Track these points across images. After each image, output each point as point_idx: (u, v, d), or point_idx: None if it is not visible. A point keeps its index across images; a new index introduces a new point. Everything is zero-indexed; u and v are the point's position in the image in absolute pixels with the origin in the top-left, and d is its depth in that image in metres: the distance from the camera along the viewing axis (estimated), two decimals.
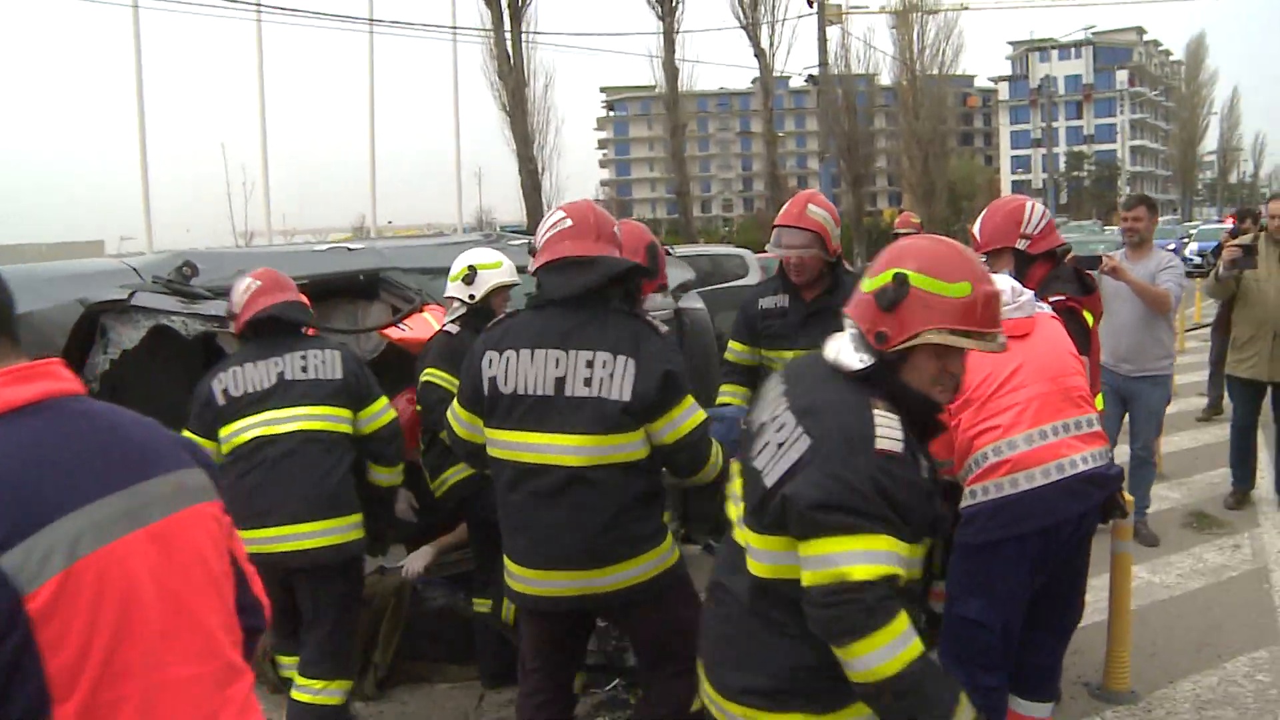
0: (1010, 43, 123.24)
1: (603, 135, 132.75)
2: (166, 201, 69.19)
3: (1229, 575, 6.60)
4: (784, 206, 5.15)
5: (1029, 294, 4.12)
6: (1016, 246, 4.66)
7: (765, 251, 6.28)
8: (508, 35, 31.84)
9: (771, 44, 40.79)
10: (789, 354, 5.04)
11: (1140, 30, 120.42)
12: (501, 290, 5.25)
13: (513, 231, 10.81)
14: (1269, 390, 7.66)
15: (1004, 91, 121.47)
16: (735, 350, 5.40)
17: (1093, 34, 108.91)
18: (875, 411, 2.57)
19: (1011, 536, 3.73)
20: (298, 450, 4.51)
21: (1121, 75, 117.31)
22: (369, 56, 33.51)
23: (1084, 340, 4.48)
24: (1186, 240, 41.53)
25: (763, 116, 46.26)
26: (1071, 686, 5.12)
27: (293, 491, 4.44)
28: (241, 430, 4.55)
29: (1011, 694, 4.00)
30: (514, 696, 5.30)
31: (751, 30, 40.48)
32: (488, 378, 3.68)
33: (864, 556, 2.42)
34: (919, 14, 53.71)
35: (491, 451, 3.75)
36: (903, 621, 2.44)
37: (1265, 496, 8.05)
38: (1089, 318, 4.69)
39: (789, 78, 66.24)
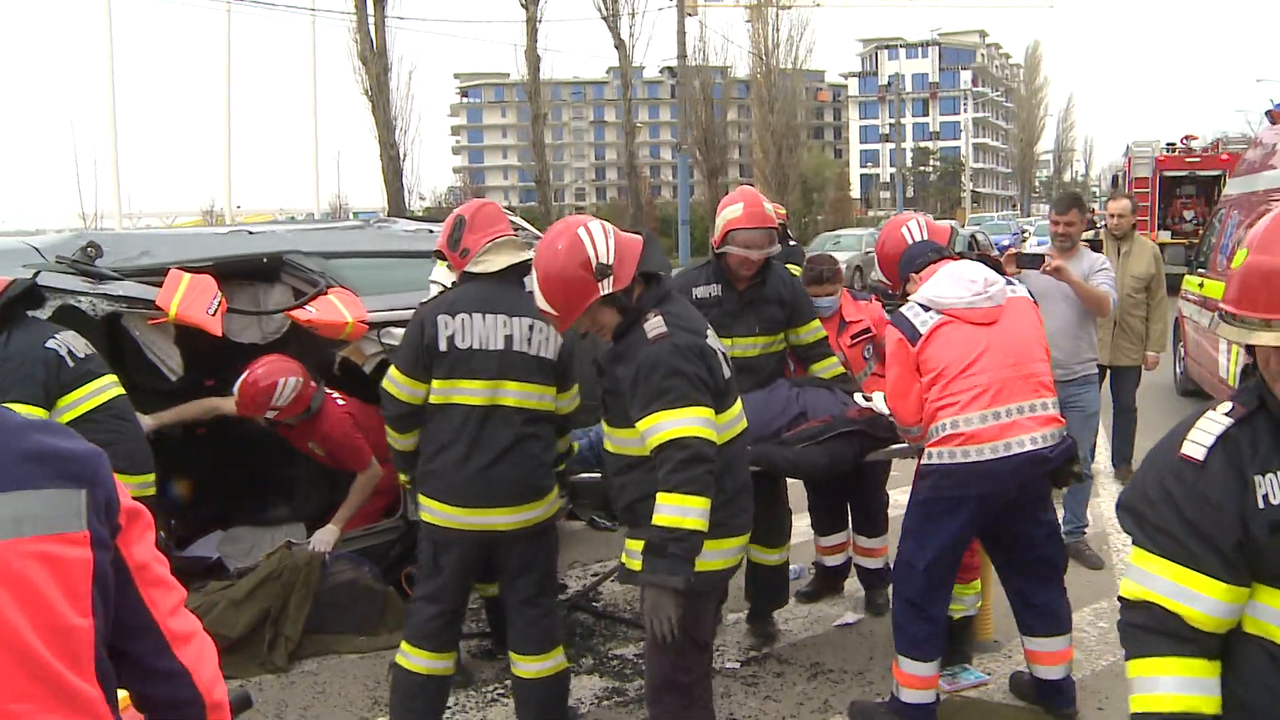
0: (861, 40, 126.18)
1: (456, 122, 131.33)
2: (7, 179, 66.47)
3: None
4: (739, 209, 5.32)
5: (1000, 282, 4.61)
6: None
7: None
8: (371, 19, 31.49)
9: (631, 35, 41.09)
10: (726, 341, 5.32)
11: (983, 34, 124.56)
12: None
13: (406, 217, 10.86)
14: (1108, 374, 8.27)
15: (854, 87, 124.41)
16: None
17: (939, 35, 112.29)
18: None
19: (952, 497, 4.39)
20: None
21: (966, 75, 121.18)
22: (226, 35, 32.91)
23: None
24: (1024, 234, 43.26)
25: (620, 107, 46.66)
26: None
27: None
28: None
29: (1024, 635, 4.73)
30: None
31: (612, 21, 40.78)
32: (445, 336, 4.31)
33: None
34: (773, 9, 54.54)
35: (440, 399, 4.37)
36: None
37: (1104, 470, 8.72)
38: None
39: (644, 69, 66.82)
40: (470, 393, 4.34)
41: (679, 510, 3.38)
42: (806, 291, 5.80)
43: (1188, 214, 24.36)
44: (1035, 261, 6.30)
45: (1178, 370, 12.30)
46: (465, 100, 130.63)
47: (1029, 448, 4.33)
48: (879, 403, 5.15)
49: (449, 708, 4.83)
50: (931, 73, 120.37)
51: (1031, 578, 4.67)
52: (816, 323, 5.67)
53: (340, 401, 6.13)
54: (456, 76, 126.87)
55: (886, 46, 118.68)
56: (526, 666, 4.52)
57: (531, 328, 4.39)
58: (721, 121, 53.04)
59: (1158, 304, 8.19)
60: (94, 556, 1.60)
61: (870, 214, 79.62)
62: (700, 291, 5.43)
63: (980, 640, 5.57)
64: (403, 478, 4.87)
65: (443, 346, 4.34)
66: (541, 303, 3.66)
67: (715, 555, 3.64)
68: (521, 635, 4.55)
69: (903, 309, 4.72)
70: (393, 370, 4.50)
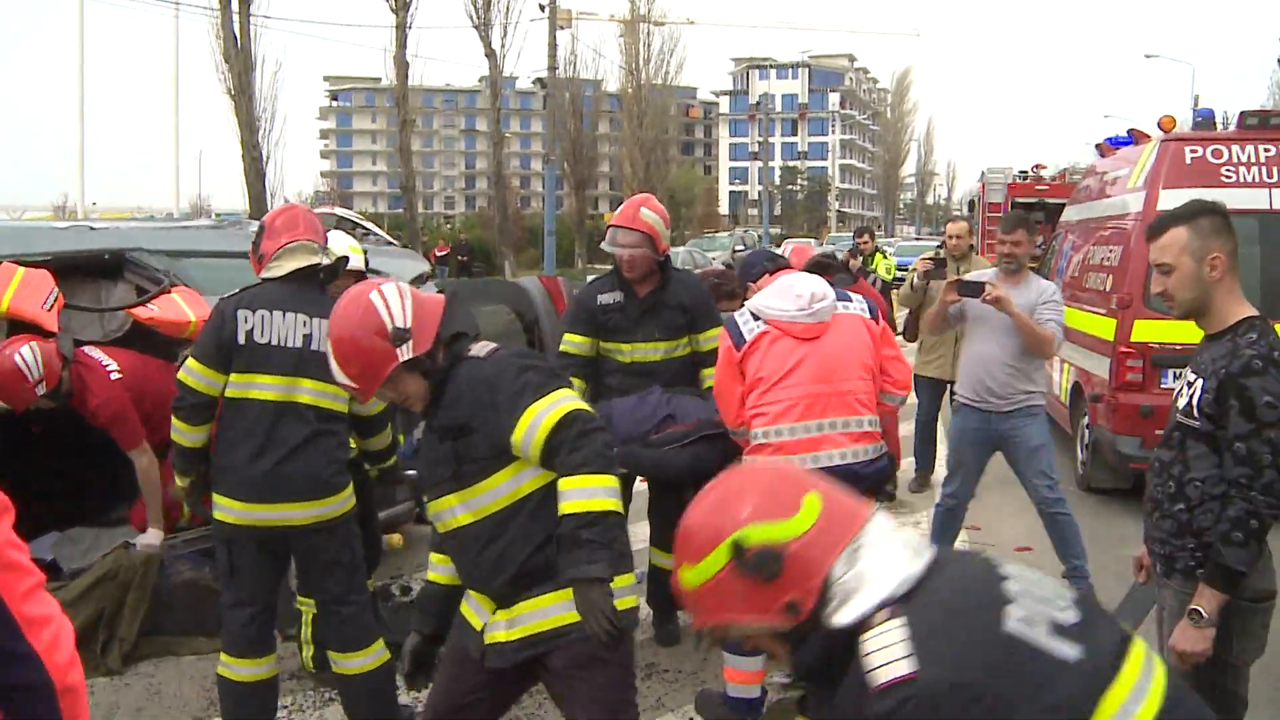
0: (733, 59, 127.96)
1: (325, 125, 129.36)
2: None
3: None
4: (620, 207, 5.63)
5: (830, 298, 4.72)
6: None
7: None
8: (235, 16, 30.87)
9: (503, 45, 40.95)
10: (627, 346, 5.64)
11: (852, 58, 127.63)
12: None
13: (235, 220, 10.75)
14: (949, 387, 8.59)
15: (725, 105, 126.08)
16: (575, 342, 5.72)
17: (809, 57, 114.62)
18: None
19: None
20: None
21: (834, 98, 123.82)
22: (79, 23, 31.95)
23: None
24: (859, 243, 44.28)
25: (490, 116, 46.48)
26: None
27: None
28: None
29: None
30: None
31: (483, 31, 40.62)
32: (244, 330, 4.38)
33: None
34: (646, 24, 55.09)
35: (235, 393, 4.43)
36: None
37: (942, 480, 9.04)
38: None
39: (516, 79, 66.66)
40: (266, 388, 4.39)
41: (584, 493, 3.08)
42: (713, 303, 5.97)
43: (1037, 239, 25.21)
44: (975, 289, 6.05)
45: None
46: (335, 104, 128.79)
47: (838, 462, 4.41)
48: None
49: (285, 707, 4.84)
50: (801, 94, 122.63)
51: None
52: (718, 330, 5.65)
53: (116, 375, 5.68)
54: (326, 79, 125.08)
55: (758, 66, 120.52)
56: (347, 664, 4.58)
57: None
58: (591, 134, 53.35)
59: None
60: None
61: (738, 230, 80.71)
62: (604, 298, 5.66)
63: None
64: (179, 481, 4.72)
65: (241, 340, 4.40)
66: (339, 375, 3.31)
67: None
68: (337, 634, 4.61)
69: (734, 314, 4.89)
70: (190, 361, 4.50)
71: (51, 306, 5.54)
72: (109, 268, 6.20)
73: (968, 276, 6.54)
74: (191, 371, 4.46)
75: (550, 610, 3.20)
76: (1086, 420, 9.19)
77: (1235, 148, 8.34)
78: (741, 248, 42.32)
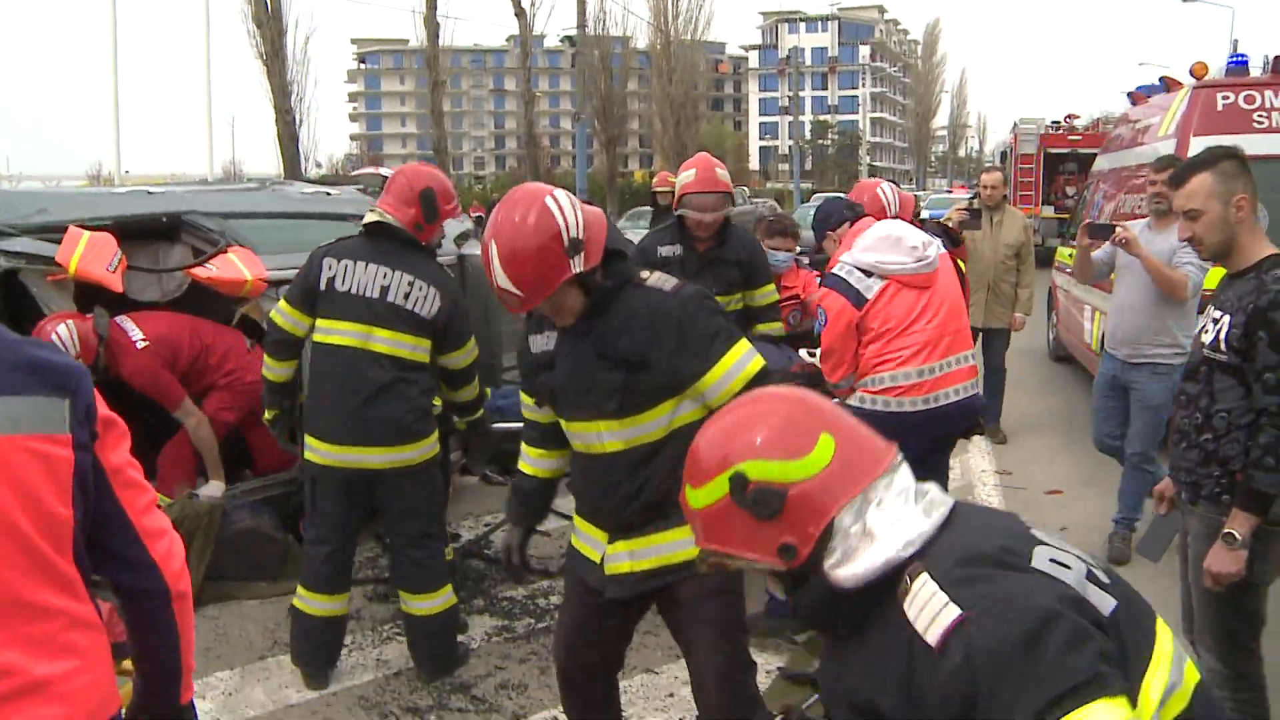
0: (761, 13, 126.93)
1: (353, 88, 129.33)
2: None
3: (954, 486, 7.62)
4: (692, 174, 5.63)
5: (935, 243, 4.89)
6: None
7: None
8: None
9: (532, 4, 40.91)
10: None
11: (882, 9, 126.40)
12: None
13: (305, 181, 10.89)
14: (981, 335, 8.72)
15: (754, 60, 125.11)
16: None
17: (839, 9, 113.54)
18: None
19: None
20: None
21: (864, 51, 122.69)
22: None
23: (960, 285, 5.41)
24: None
25: (520, 76, 46.52)
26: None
27: None
28: None
29: None
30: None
31: None
32: (326, 277, 4.63)
33: None
34: None
35: (319, 338, 4.71)
36: None
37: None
38: (962, 265, 5.72)
39: (544, 37, 66.43)
40: (345, 334, 4.63)
41: None
42: (764, 246, 6.11)
43: (1069, 189, 25.11)
44: (1106, 231, 6.04)
45: (1050, 336, 12.94)
46: (363, 67, 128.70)
47: (960, 397, 4.71)
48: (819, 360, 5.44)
49: (346, 645, 5.09)
50: (831, 47, 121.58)
51: None
52: (771, 286, 5.96)
53: (142, 343, 5.90)
54: (354, 42, 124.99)
55: (786, 20, 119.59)
56: (416, 605, 4.85)
57: (411, 284, 4.66)
58: (620, 91, 53.10)
59: (1026, 270, 8.80)
60: (75, 457, 1.84)
61: (768, 185, 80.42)
62: (664, 251, 5.75)
63: None
64: (267, 415, 5.11)
65: (323, 286, 4.65)
66: (504, 281, 3.06)
67: None
68: (408, 575, 4.88)
69: (840, 273, 4.90)
70: (281, 301, 4.84)
71: (116, 268, 5.75)
72: (167, 230, 6.40)
73: (1101, 221, 6.79)
74: (280, 311, 4.80)
75: (680, 544, 3.20)
76: None
77: (1269, 93, 8.36)
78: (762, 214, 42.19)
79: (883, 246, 4.84)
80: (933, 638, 1.74)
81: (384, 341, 4.63)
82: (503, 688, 4.83)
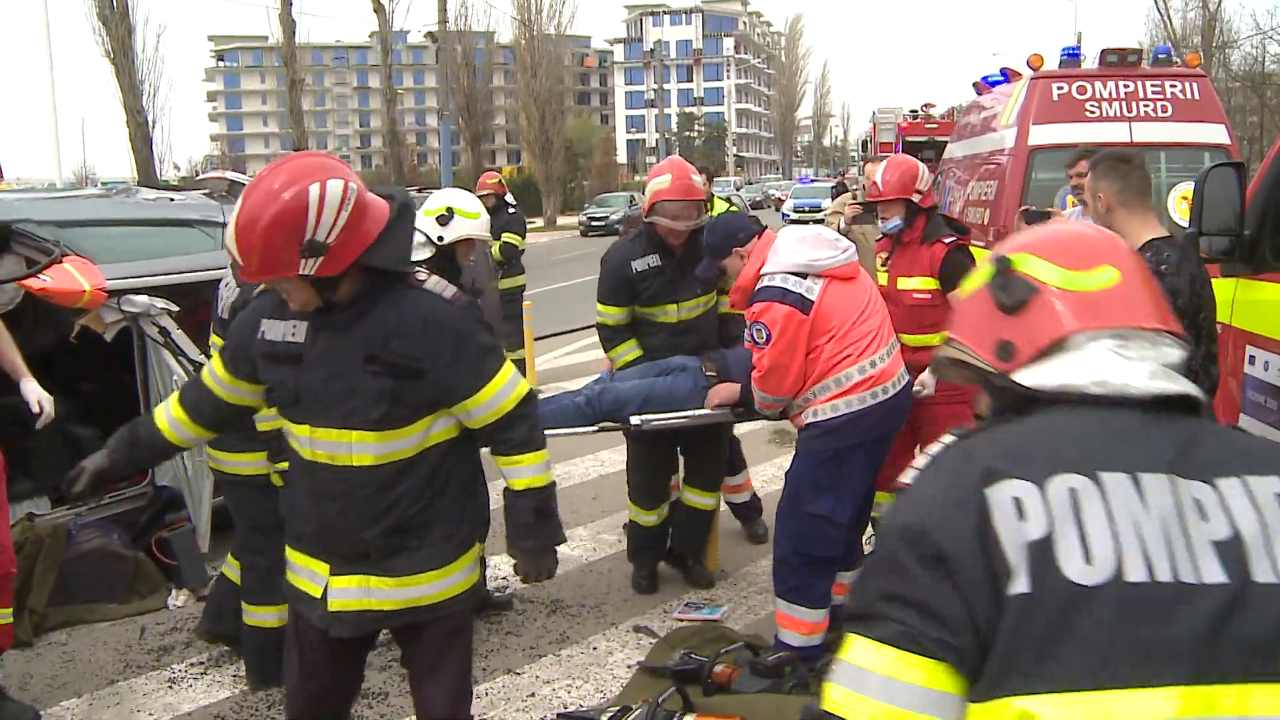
0: (626, 6, 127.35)
1: (212, 87, 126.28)
2: None
3: None
4: (666, 180, 5.49)
5: (850, 243, 4.91)
6: (911, 199, 5.62)
7: None
8: None
9: None
10: (672, 306, 5.68)
11: (745, 2, 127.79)
12: (470, 243, 5.20)
13: (158, 187, 10.59)
14: None
15: (619, 53, 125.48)
16: (613, 314, 5.76)
17: (703, 2, 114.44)
18: None
19: (863, 442, 4.64)
20: None
21: (728, 43, 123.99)
22: None
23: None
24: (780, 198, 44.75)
25: (381, 73, 45.90)
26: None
27: None
28: None
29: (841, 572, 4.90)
30: (175, 623, 5.66)
31: None
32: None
33: None
34: None
35: None
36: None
37: None
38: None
39: (407, 33, 65.77)
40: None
41: (536, 468, 3.22)
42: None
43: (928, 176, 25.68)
44: (1043, 218, 6.07)
45: None
46: (222, 65, 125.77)
47: (903, 383, 4.74)
48: None
49: (201, 663, 5.01)
50: (695, 40, 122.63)
51: (863, 518, 5.01)
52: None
53: None
54: (211, 39, 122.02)
55: (651, 13, 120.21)
56: (254, 615, 4.86)
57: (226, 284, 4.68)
58: (485, 87, 52.73)
59: None
60: None
61: (636, 179, 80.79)
62: (639, 264, 5.62)
63: (710, 571, 6.04)
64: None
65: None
66: (230, 243, 2.85)
67: None
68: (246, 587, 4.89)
69: (774, 283, 4.66)
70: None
71: None
72: None
73: (1033, 207, 6.83)
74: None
75: (434, 586, 3.13)
76: None
77: (1098, 84, 8.72)
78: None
79: (806, 246, 4.74)
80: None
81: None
82: (363, 696, 4.75)
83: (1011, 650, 1.38)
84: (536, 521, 3.25)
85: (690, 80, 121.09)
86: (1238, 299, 4.50)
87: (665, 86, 78.01)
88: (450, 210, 5.10)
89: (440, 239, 5.08)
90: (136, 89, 31.06)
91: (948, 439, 1.64)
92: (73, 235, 6.25)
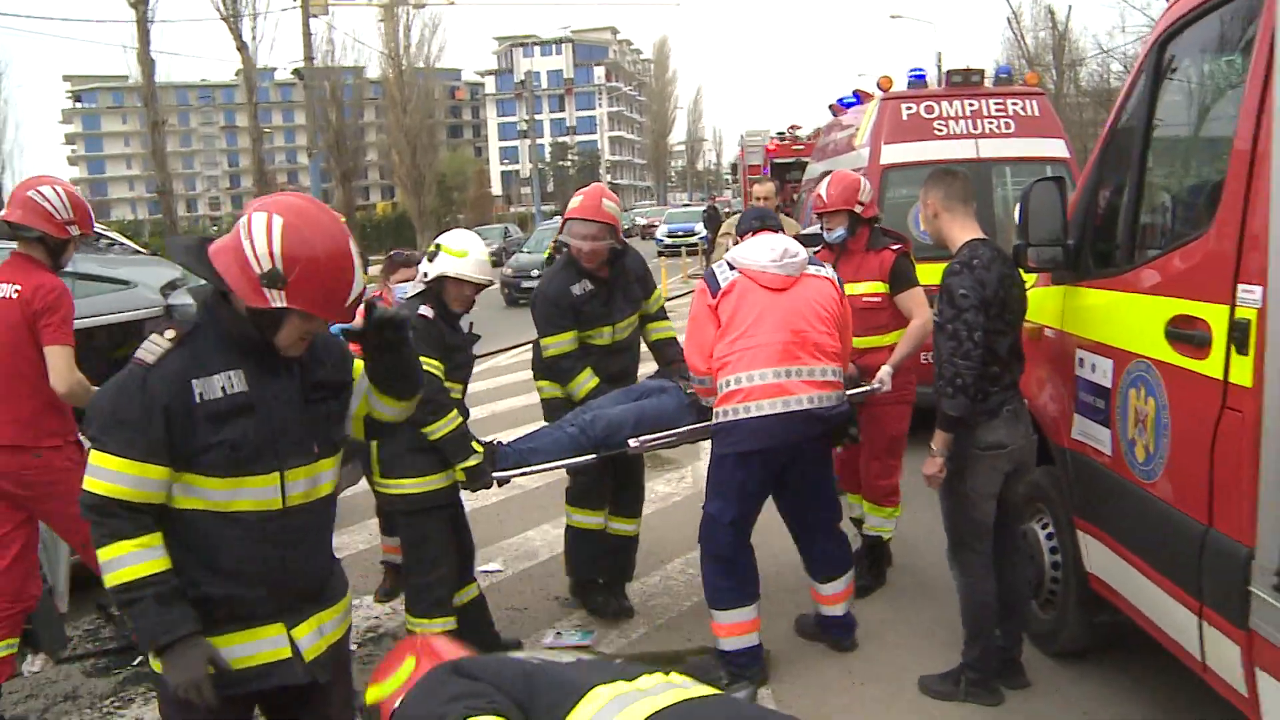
0: (496, 38, 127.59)
1: (70, 129, 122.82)
2: None
3: (673, 500, 8.03)
4: (578, 200, 5.70)
5: (803, 255, 5.03)
6: (854, 210, 5.97)
7: None
8: None
9: (254, 37, 39.64)
10: (608, 329, 5.81)
11: (614, 30, 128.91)
12: (459, 284, 5.01)
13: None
14: None
15: (490, 85, 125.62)
16: (563, 340, 5.74)
17: (571, 32, 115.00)
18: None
19: (739, 452, 4.83)
20: None
21: (599, 71, 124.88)
22: None
23: (915, 276, 5.89)
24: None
25: (247, 111, 45.15)
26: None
27: None
28: None
29: (813, 583, 5.26)
30: (31, 690, 5.47)
31: (232, 22, 39.27)
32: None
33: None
34: (405, 8, 54.17)
35: None
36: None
37: None
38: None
39: (274, 70, 64.77)
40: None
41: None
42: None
43: (795, 196, 26.12)
44: (814, 240, 6.34)
45: None
46: (80, 105, 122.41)
47: (804, 407, 4.77)
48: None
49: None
50: (566, 69, 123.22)
51: (815, 528, 5.16)
52: (659, 290, 6.23)
53: None
54: (67, 79, 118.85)
55: (521, 44, 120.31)
56: None
57: None
58: (354, 123, 52.11)
59: None
60: None
61: (512, 210, 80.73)
62: (577, 289, 5.74)
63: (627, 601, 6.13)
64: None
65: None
66: (358, 281, 2.87)
67: None
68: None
69: (714, 265, 5.21)
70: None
71: None
72: None
73: (806, 231, 7.15)
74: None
75: (343, 616, 3.15)
76: None
77: (944, 103, 9.04)
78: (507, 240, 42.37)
79: (749, 245, 5.09)
80: None
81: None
82: None
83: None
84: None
85: (563, 110, 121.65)
86: (1066, 305, 4.69)
87: (538, 117, 78.19)
88: (438, 247, 5.07)
89: (425, 275, 5.05)
90: None
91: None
92: None
